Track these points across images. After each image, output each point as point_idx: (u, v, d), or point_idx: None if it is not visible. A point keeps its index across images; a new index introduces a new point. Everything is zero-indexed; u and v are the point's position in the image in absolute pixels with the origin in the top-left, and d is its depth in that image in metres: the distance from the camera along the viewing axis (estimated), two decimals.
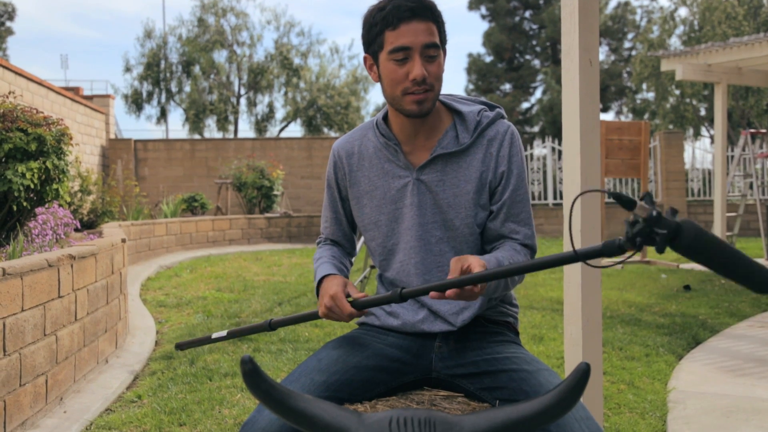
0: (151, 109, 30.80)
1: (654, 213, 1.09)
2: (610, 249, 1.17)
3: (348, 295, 1.57)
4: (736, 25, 21.58)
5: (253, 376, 1.06)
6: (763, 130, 11.53)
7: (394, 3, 1.55)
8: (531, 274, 7.81)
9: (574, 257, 1.21)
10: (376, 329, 1.72)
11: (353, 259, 1.89)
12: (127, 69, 27.37)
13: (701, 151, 23.57)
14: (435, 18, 1.57)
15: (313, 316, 1.62)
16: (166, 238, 9.65)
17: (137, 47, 41.27)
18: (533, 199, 14.59)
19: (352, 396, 1.53)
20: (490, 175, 1.64)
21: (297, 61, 27.89)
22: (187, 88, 27.76)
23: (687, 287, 6.71)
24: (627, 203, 1.11)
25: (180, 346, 1.90)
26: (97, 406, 3.25)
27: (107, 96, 15.20)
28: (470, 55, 30.40)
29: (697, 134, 26.07)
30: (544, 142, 14.88)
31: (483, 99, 1.76)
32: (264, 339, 4.62)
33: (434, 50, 1.56)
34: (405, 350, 1.63)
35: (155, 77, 27.11)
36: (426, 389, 1.61)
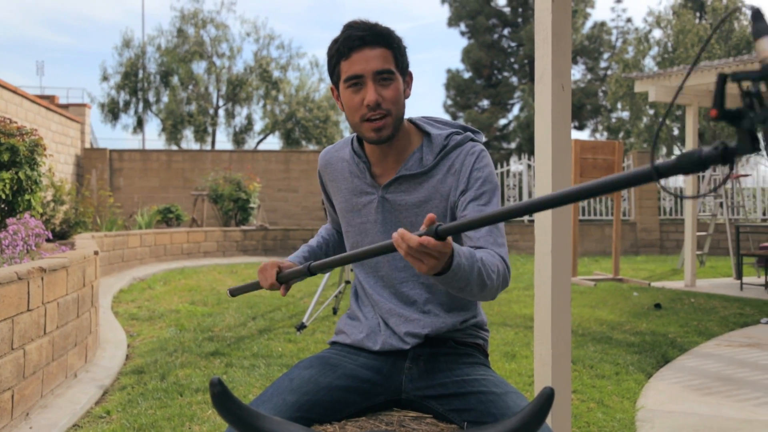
0: (127, 119, 30.61)
1: None
2: (688, 162, 0.88)
3: (279, 273, 1.67)
4: (708, 48, 22.00)
5: (222, 398, 1.07)
6: None
7: (345, 33, 1.59)
8: (505, 291, 7.86)
9: (650, 174, 0.91)
10: (347, 349, 1.73)
11: None
12: (105, 78, 27.21)
13: None
14: (389, 44, 1.60)
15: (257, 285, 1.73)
16: (140, 249, 9.57)
17: (115, 56, 40.99)
18: None
19: (323, 416, 1.54)
20: (452, 195, 1.66)
21: (276, 73, 27.92)
22: (165, 99, 27.64)
23: (658, 306, 6.79)
24: (761, 29, 0.81)
25: (233, 292, 1.89)
26: (64, 422, 3.21)
27: (83, 105, 15.08)
28: (449, 71, 30.59)
29: (670, 154, 26.48)
30: (520, 158, 15.03)
31: (462, 123, 1.79)
32: (237, 354, 4.60)
33: (388, 75, 1.59)
34: (375, 371, 1.64)
35: (133, 87, 26.97)
36: (395, 410, 1.62)
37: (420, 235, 1.19)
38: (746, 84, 0.81)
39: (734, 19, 24.08)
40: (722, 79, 0.82)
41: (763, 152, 0.77)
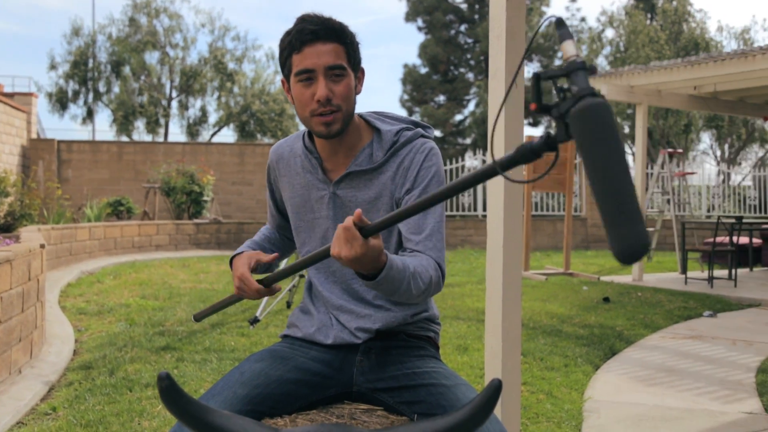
0: (76, 109, 29.93)
1: (577, 59, 0.90)
2: (523, 152, 0.96)
3: (255, 270, 1.65)
4: (658, 49, 22.54)
5: (170, 393, 1.05)
6: (680, 150, 12.07)
7: (298, 27, 1.58)
8: (459, 285, 7.94)
9: (494, 170, 1.01)
10: (299, 342, 1.73)
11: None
12: (53, 66, 26.52)
13: None
14: (341, 39, 1.59)
15: (234, 299, 1.69)
16: (89, 242, 9.37)
17: (64, 44, 39.92)
18: (463, 210, 14.82)
19: (274, 410, 1.54)
20: (398, 192, 1.67)
21: (231, 65, 27.60)
22: (116, 89, 27.08)
23: (606, 299, 6.94)
24: (564, 34, 0.93)
25: (197, 317, 1.90)
26: (8, 419, 3.13)
27: (29, 94, 14.68)
28: (406, 66, 30.64)
29: None
30: (475, 154, 15.17)
31: (413, 119, 1.80)
32: (188, 348, 4.55)
33: (339, 71, 1.59)
34: (327, 364, 1.65)
35: (82, 76, 26.34)
36: (346, 403, 1.63)
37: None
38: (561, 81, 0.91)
39: (683, 21, 24.70)
40: (537, 77, 0.93)
41: (575, 137, 0.85)
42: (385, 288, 1.41)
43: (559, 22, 0.94)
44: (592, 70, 0.91)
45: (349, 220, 1.26)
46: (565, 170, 9.59)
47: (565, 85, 0.90)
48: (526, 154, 0.97)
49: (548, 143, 0.93)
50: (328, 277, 1.73)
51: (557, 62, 30.38)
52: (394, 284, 1.42)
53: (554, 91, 0.91)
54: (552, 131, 0.92)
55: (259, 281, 1.59)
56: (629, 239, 0.83)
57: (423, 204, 1.14)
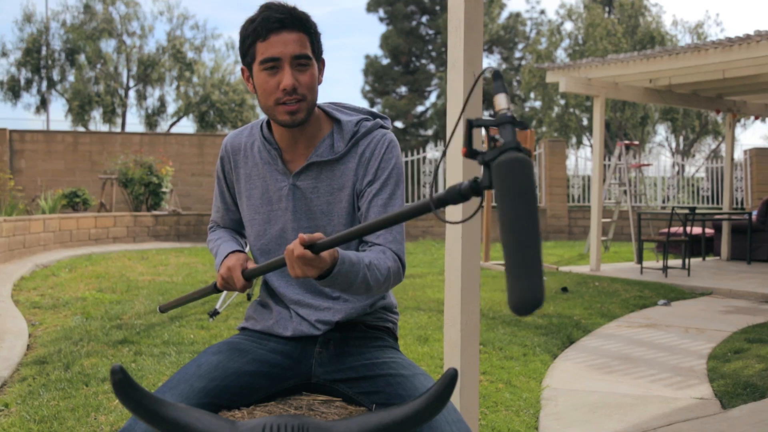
0: (29, 98, 29.10)
1: (508, 113, 0.96)
2: (452, 194, 1.03)
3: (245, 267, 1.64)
4: (615, 42, 22.88)
5: (123, 386, 1.04)
6: (636, 142, 12.30)
7: (263, 14, 1.57)
8: (420, 276, 7.98)
9: (429, 206, 1.07)
10: (257, 334, 1.72)
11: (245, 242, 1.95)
12: (4, 54, 25.78)
13: (582, 159, 24.84)
14: (306, 29, 1.59)
15: (210, 290, 1.70)
16: (43, 235, 9.17)
17: (15, 31, 38.89)
18: None
19: (232, 402, 1.53)
20: (359, 184, 1.67)
21: (190, 54, 27.20)
22: (71, 78, 26.47)
23: (564, 289, 7.05)
24: (499, 88, 0.98)
25: (162, 309, 1.90)
26: None
27: None
28: (367, 57, 30.61)
29: (579, 143, 27.44)
30: (437, 145, 15.23)
31: (371, 109, 1.80)
32: (146, 342, 4.49)
33: (305, 60, 1.58)
34: (285, 356, 1.65)
35: (35, 64, 25.68)
36: (305, 394, 1.63)
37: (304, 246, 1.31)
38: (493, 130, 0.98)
39: (640, 15, 25.12)
40: (469, 124, 0.98)
41: (499, 185, 0.90)
42: (340, 283, 1.43)
43: (496, 75, 0.99)
44: (521, 126, 0.96)
45: (298, 247, 1.29)
46: None
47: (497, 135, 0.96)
48: (455, 196, 1.03)
49: (474, 188, 0.99)
50: (283, 272, 1.72)
51: (517, 54, 30.66)
52: (348, 278, 1.43)
53: (484, 139, 0.99)
54: (479, 177, 0.98)
55: (244, 274, 1.60)
56: (525, 292, 0.84)
57: (363, 229, 1.20)
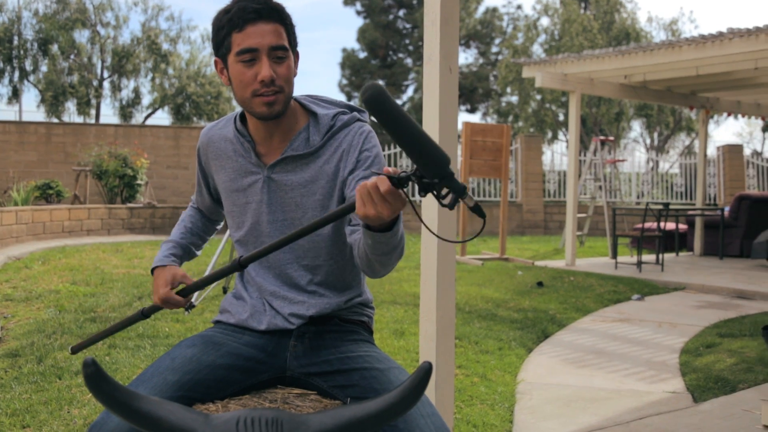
0: (1, 88, 28.68)
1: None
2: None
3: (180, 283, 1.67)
4: (591, 38, 23.06)
5: (95, 379, 1.03)
6: (611, 138, 12.40)
7: (239, 5, 1.55)
8: (396, 270, 7.99)
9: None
10: (231, 327, 1.71)
11: (219, 225, 2.01)
12: None
13: (558, 155, 25.02)
14: (282, 20, 1.58)
15: (137, 318, 1.73)
16: (15, 227, 9.03)
17: None
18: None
19: (206, 395, 1.53)
20: (341, 173, 1.66)
21: (166, 46, 26.88)
22: (44, 68, 26.04)
23: (540, 284, 7.11)
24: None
25: (74, 350, 1.92)
26: None
27: None
28: (344, 50, 30.54)
29: (555, 138, 27.63)
30: None
31: (348, 102, 1.79)
32: (121, 335, 4.45)
33: (282, 52, 1.57)
34: (260, 349, 1.64)
35: (7, 54, 25.21)
36: (280, 388, 1.63)
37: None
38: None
39: (615, 12, 25.31)
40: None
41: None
42: (395, 237, 1.37)
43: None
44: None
45: (385, 182, 1.20)
46: (501, 156, 9.74)
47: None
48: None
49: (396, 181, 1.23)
50: (261, 263, 1.71)
51: (494, 49, 30.74)
52: (398, 235, 1.38)
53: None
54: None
55: (179, 292, 1.65)
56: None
57: (305, 230, 1.36)
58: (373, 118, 1.18)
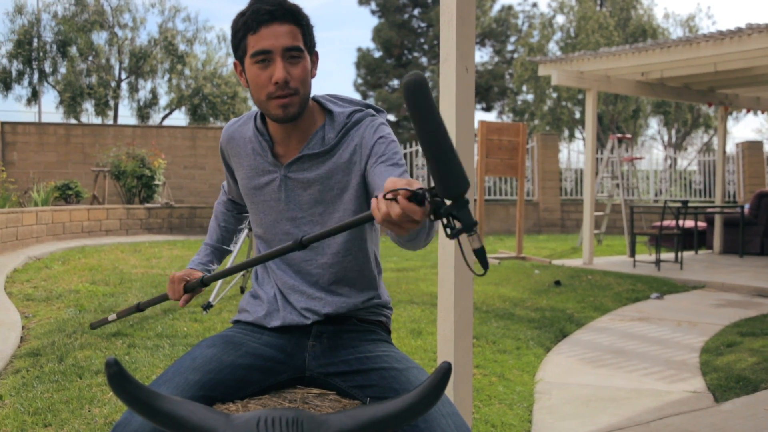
0: (21, 90, 29.00)
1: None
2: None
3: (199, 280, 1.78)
4: (607, 35, 22.89)
5: (118, 379, 1.04)
6: (629, 135, 12.31)
7: (254, 7, 1.56)
8: (413, 269, 7.99)
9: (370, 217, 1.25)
10: (250, 327, 1.73)
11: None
12: None
13: (575, 153, 24.88)
14: (297, 21, 1.58)
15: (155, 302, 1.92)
16: (36, 227, 9.13)
17: (6, 23, 38.64)
18: None
19: (226, 395, 1.54)
20: (358, 166, 1.65)
21: (182, 47, 27.03)
22: (63, 70, 26.27)
23: (557, 282, 7.08)
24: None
25: (93, 326, 2.04)
26: None
27: None
28: (360, 50, 30.50)
29: (571, 136, 27.48)
30: None
31: (367, 102, 1.79)
32: (140, 335, 4.49)
33: (297, 53, 1.57)
34: (279, 349, 1.65)
35: (27, 56, 25.47)
36: (299, 387, 1.64)
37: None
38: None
39: (631, 8, 25.13)
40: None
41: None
42: (415, 233, 1.33)
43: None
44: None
45: (395, 207, 1.13)
46: (518, 155, 9.70)
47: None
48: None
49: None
50: (282, 259, 1.72)
51: (510, 47, 30.63)
52: (419, 230, 1.33)
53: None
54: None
55: (185, 288, 1.79)
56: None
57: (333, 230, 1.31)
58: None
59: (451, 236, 1.13)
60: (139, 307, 1.88)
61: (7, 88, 25.84)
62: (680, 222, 9.40)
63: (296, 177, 1.68)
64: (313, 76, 1.65)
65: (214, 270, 1.92)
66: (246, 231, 5.77)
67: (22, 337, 4.49)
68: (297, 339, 1.67)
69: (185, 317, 5.03)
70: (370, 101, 27.54)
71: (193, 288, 1.76)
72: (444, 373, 1.10)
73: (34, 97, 26.23)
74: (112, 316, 1.96)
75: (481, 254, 1.14)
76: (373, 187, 1.60)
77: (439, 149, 1.09)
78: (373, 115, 1.71)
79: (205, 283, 1.73)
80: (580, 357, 4.40)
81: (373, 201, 1.17)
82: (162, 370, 3.67)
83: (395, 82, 30.58)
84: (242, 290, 5.98)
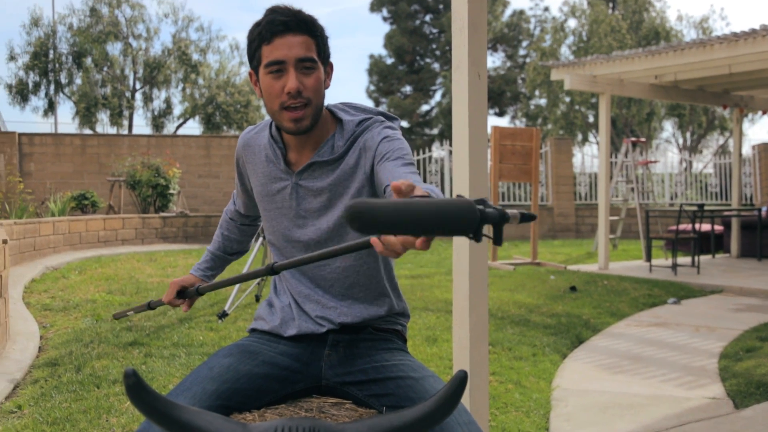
0: (38, 101, 29.28)
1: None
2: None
3: (193, 288, 1.84)
4: (620, 38, 22.80)
5: (136, 390, 1.05)
6: (643, 139, 12.24)
7: (268, 18, 1.57)
8: (428, 276, 7.98)
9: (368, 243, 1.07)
10: (267, 336, 1.73)
11: (260, 223, 2.06)
12: (12, 57, 25.86)
13: (589, 157, 24.77)
14: (312, 32, 1.59)
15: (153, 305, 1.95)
16: (53, 237, 9.21)
17: (23, 35, 39.11)
18: None
19: (243, 405, 1.54)
20: (364, 170, 1.64)
21: (196, 56, 27.23)
22: (78, 81, 26.53)
23: (573, 288, 7.04)
24: None
25: (116, 316, 2.09)
26: None
27: None
28: (371, 57, 30.60)
29: (585, 140, 27.36)
30: (442, 144, 15.22)
31: (380, 110, 1.79)
32: (156, 344, 4.51)
33: (310, 63, 1.58)
34: (295, 358, 1.65)
35: (43, 67, 25.76)
36: (315, 397, 1.64)
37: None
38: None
39: (644, 11, 25.03)
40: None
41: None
42: None
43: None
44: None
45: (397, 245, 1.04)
46: (531, 160, 9.68)
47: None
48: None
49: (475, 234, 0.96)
50: (297, 269, 1.73)
51: (522, 52, 30.60)
52: None
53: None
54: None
55: (180, 291, 1.84)
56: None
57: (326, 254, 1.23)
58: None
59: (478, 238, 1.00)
60: (150, 306, 1.93)
61: (24, 99, 26.12)
62: (696, 225, 9.32)
63: (306, 185, 1.69)
64: (327, 86, 1.66)
65: (212, 276, 1.99)
66: (260, 239, 5.81)
67: (40, 347, 4.52)
68: (313, 348, 1.68)
69: (201, 326, 5.05)
70: (383, 108, 27.46)
71: (189, 296, 1.83)
72: (460, 381, 1.10)
73: (51, 108, 26.50)
74: (130, 312, 2.04)
75: (527, 217, 1.07)
76: (381, 182, 1.58)
77: (423, 216, 0.89)
78: (382, 122, 1.71)
79: (200, 292, 1.79)
80: (597, 363, 4.37)
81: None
82: (178, 379, 3.68)
83: (408, 89, 30.63)
84: (257, 299, 6.00)
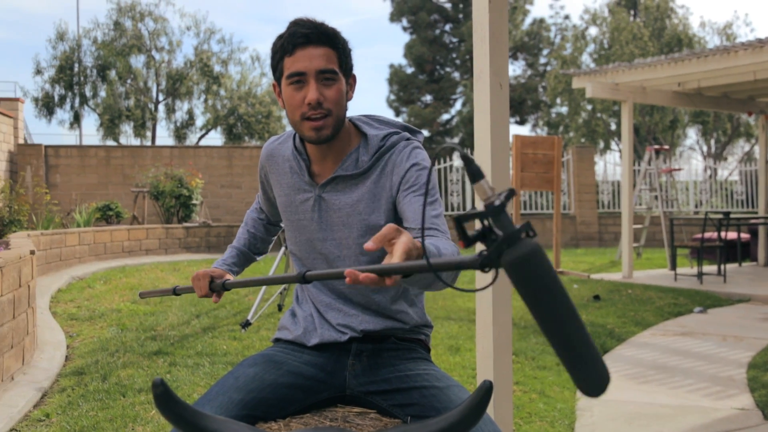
0: (63, 114, 29.78)
1: (495, 201, 0.86)
2: (457, 264, 0.94)
3: (216, 280, 1.75)
4: (641, 45, 22.66)
5: (164, 399, 1.06)
6: (666, 147, 12.13)
7: (291, 30, 1.60)
8: None
9: (428, 267, 0.97)
10: (291, 345, 1.74)
11: (280, 229, 2.07)
12: (38, 71, 26.33)
13: (611, 165, 24.58)
14: (333, 44, 1.61)
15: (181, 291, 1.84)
16: (78, 248, 9.33)
17: (49, 49, 39.68)
18: (452, 209, 14.86)
19: (268, 414, 1.55)
20: (388, 193, 1.66)
21: (217, 68, 27.52)
22: (103, 93, 26.94)
23: (597, 297, 6.98)
24: (475, 173, 0.89)
25: (142, 295, 2.02)
26: (1, 426, 3.12)
27: (16, 99, 14.58)
28: (392, 66, 30.66)
29: (607, 148, 27.18)
30: None
31: (404, 123, 1.80)
32: (180, 353, 4.55)
33: (331, 75, 1.59)
34: (319, 368, 1.66)
35: (68, 81, 26.18)
36: (340, 406, 1.64)
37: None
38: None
39: (666, 18, 24.85)
40: (459, 220, 0.88)
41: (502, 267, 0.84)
42: (420, 279, 1.27)
43: (466, 159, 0.89)
44: (499, 211, 0.86)
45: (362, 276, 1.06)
46: (553, 168, 9.63)
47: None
48: (455, 266, 0.94)
49: (480, 265, 0.89)
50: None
51: (542, 60, 30.50)
52: (426, 276, 1.27)
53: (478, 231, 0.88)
54: (484, 252, 0.87)
55: (210, 286, 1.72)
56: (593, 382, 0.86)
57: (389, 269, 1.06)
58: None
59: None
60: (175, 291, 1.89)
61: (50, 112, 26.56)
62: (722, 234, 9.20)
63: (329, 198, 1.70)
64: (349, 98, 1.67)
65: (237, 273, 1.93)
66: (282, 249, 5.84)
67: (66, 356, 4.58)
68: (337, 357, 1.68)
69: (224, 335, 5.08)
70: (403, 117, 27.44)
71: (216, 289, 1.74)
72: (486, 391, 1.10)
73: (76, 120, 26.90)
74: (157, 294, 1.98)
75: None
76: (403, 217, 1.61)
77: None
78: (408, 139, 1.72)
79: (226, 287, 1.70)
80: (622, 373, 4.33)
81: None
82: (202, 388, 3.71)
83: (428, 98, 30.65)
84: (279, 308, 6.02)
